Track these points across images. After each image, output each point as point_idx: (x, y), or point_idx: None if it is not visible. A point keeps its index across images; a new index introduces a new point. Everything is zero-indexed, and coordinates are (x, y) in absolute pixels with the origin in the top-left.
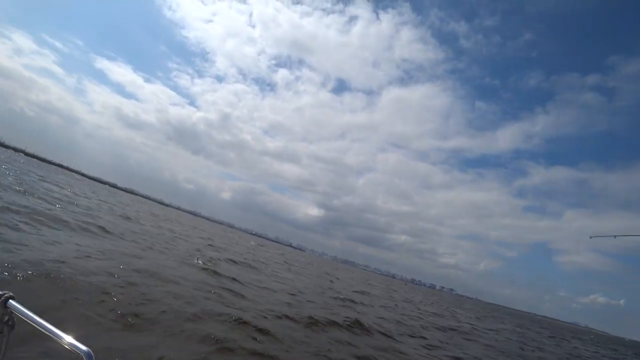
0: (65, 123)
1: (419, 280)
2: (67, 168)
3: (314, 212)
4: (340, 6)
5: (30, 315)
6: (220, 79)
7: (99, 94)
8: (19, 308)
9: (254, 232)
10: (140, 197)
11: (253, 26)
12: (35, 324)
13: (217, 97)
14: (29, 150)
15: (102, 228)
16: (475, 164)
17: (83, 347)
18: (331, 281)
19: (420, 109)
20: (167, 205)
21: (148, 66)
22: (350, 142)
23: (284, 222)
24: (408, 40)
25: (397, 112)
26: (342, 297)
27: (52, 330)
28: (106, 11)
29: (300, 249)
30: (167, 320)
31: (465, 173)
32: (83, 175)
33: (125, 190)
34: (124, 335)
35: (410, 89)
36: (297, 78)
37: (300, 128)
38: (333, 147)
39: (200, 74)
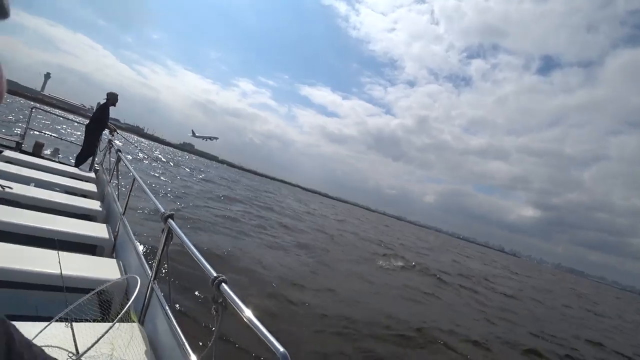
0: (283, 145)
1: None
2: (288, 183)
3: (529, 212)
4: None
5: (237, 302)
6: (411, 83)
7: (306, 117)
8: (229, 293)
9: (461, 236)
10: (350, 205)
11: (436, 23)
12: (240, 311)
13: (411, 101)
14: (260, 170)
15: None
16: None
17: (280, 348)
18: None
19: None
20: (373, 211)
21: (344, 84)
22: (568, 127)
23: (493, 224)
24: None
25: (629, 80)
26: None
27: (254, 323)
28: (302, 44)
29: (514, 255)
30: None
31: None
32: (301, 187)
33: (335, 198)
34: None
35: None
36: (494, 66)
37: (505, 120)
38: (546, 136)
39: (392, 82)
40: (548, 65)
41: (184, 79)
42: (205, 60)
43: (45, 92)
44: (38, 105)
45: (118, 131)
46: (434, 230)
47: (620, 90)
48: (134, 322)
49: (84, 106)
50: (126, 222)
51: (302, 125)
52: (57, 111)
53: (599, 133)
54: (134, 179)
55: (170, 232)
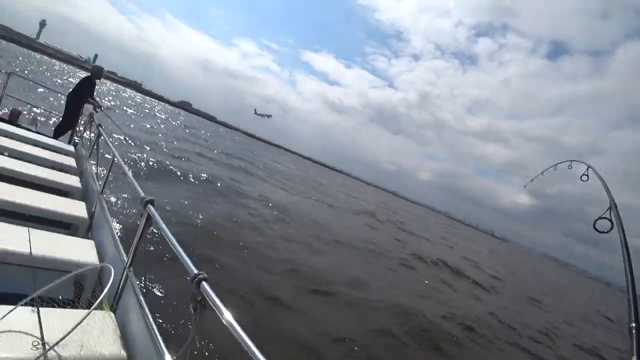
0: (283, 111)
1: None
2: (285, 149)
3: (523, 200)
4: None
5: (217, 304)
6: (416, 57)
7: (308, 84)
8: (209, 292)
9: (453, 217)
10: (346, 176)
11: None
12: (220, 313)
13: (414, 76)
14: (258, 135)
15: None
16: None
17: (262, 358)
18: None
19: None
20: (368, 184)
21: (347, 53)
22: (571, 117)
23: (486, 208)
24: None
25: (638, 74)
26: None
27: (235, 327)
28: (308, 8)
29: (503, 240)
30: None
31: None
32: (300, 155)
33: (332, 168)
34: None
35: None
36: (501, 46)
37: (507, 103)
38: (548, 124)
39: (396, 55)
40: (556, 50)
41: (184, 35)
42: (207, 18)
43: (41, 41)
44: (17, 70)
45: (103, 108)
46: (428, 208)
47: (628, 83)
48: (105, 310)
49: (80, 57)
50: (103, 202)
51: (303, 92)
52: (34, 78)
53: (600, 125)
54: (114, 158)
55: (149, 218)
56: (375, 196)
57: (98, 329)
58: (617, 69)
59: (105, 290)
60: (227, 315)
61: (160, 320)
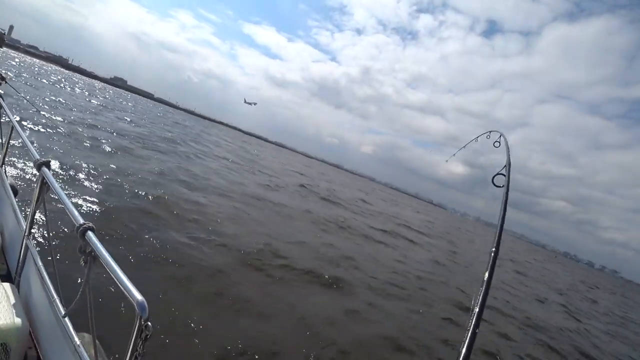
0: (223, 86)
1: (574, 255)
2: (227, 125)
3: (458, 169)
4: None
5: (101, 251)
6: (359, 31)
7: (249, 57)
8: (94, 241)
9: (394, 187)
10: (289, 150)
11: None
12: (103, 261)
13: (357, 50)
14: (197, 111)
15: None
16: None
17: (138, 297)
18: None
19: (594, 49)
20: (312, 157)
21: (290, 26)
22: (502, 92)
23: (424, 178)
24: None
25: (562, 54)
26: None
27: (117, 273)
28: None
29: (440, 207)
30: None
31: None
32: (240, 130)
33: (274, 143)
34: None
35: (581, 25)
36: (441, 23)
37: (445, 78)
38: (482, 98)
39: (339, 28)
40: (492, 28)
41: (114, 5)
42: None
43: None
44: None
45: (7, 80)
46: (369, 179)
47: (552, 62)
48: (4, 282)
49: None
50: (3, 174)
51: (245, 66)
52: None
53: (527, 100)
54: (12, 127)
55: (45, 183)
56: (303, 165)
57: None
58: (543, 48)
59: None
60: (112, 263)
61: (63, 281)
